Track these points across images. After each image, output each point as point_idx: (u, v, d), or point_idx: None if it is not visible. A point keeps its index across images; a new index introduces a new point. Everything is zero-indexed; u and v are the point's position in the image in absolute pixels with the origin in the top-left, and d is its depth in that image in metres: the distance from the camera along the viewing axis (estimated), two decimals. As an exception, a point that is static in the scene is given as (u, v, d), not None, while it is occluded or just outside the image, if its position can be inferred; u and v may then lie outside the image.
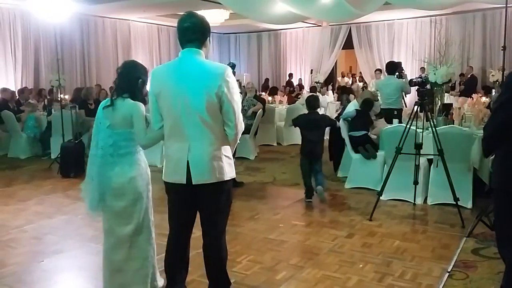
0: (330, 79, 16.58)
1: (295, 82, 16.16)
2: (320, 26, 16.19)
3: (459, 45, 13.51)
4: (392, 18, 14.73)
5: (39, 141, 8.91)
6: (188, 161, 2.68)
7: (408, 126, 4.85)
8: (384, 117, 7.02)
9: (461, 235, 4.33)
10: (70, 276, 3.71)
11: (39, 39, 12.92)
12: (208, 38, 2.80)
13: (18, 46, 12.42)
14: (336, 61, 17.31)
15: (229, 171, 2.77)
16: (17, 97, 10.14)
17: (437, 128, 5.24)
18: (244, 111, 8.45)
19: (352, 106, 6.74)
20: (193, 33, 2.72)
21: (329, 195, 5.88)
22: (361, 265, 3.69)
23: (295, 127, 5.91)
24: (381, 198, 5.51)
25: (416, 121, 4.96)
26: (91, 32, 14.33)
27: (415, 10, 12.40)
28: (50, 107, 9.06)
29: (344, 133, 6.34)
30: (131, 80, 2.99)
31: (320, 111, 7.98)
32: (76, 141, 7.18)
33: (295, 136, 9.96)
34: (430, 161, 5.54)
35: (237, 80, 5.76)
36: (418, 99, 4.81)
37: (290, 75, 16.34)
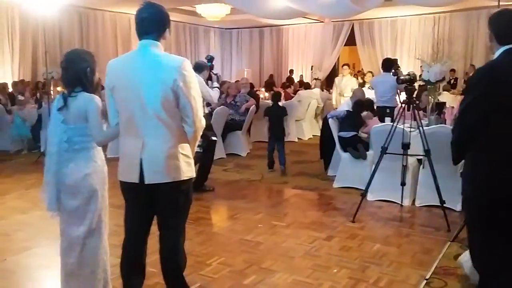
0: (333, 76, 16.33)
1: (296, 78, 15.93)
2: (322, 22, 15.96)
3: (463, 43, 13.28)
4: (395, 15, 14.47)
5: (31, 134, 8.79)
6: (141, 159, 2.53)
7: (394, 125, 4.66)
8: (378, 115, 6.83)
9: (446, 240, 4.14)
10: (29, 275, 3.57)
11: (37, 31, 12.81)
12: (168, 29, 2.63)
13: (15, 38, 12.31)
14: (339, 58, 17.07)
15: (187, 170, 2.61)
16: (9, 90, 10.03)
17: (427, 128, 5.07)
18: (236, 107, 8.30)
19: (345, 105, 6.56)
20: (151, 24, 2.56)
21: (316, 195, 5.73)
22: (335, 270, 3.52)
23: (265, 116, 7.16)
24: (367, 198, 5.37)
25: (404, 120, 4.77)
26: (90, 25, 14.19)
27: (418, 7, 12.13)
28: (41, 100, 8.94)
29: (334, 132, 6.16)
30: (78, 71, 2.81)
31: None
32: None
33: (291, 133, 9.81)
34: (420, 161, 5.35)
35: (215, 74, 5.63)
36: (406, 97, 4.62)
37: (291, 71, 16.12)
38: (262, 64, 18.35)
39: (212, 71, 5.53)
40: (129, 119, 2.56)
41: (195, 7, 13.78)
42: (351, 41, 16.00)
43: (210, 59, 5.59)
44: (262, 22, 16.79)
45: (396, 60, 7.83)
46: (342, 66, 12.73)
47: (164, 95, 2.47)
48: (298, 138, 10.03)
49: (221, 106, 7.95)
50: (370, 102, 6.81)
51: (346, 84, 11.30)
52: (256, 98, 8.91)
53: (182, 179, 2.58)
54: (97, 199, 2.90)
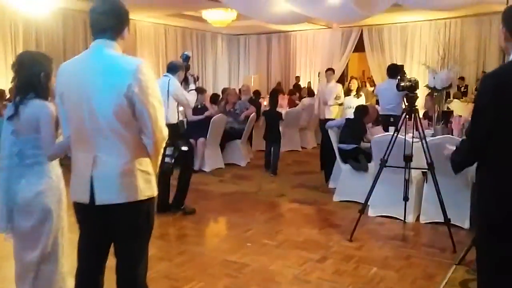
0: (341, 83, 15.95)
1: (303, 85, 15.61)
2: (330, 28, 15.61)
3: (475, 49, 12.82)
4: (405, 21, 14.07)
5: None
6: (92, 177, 2.20)
7: (395, 135, 4.30)
8: (382, 124, 6.46)
9: (451, 262, 3.76)
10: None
11: (41, 36, 12.66)
12: (127, 28, 2.31)
13: (18, 44, 12.17)
14: (348, 64, 16.72)
15: (146, 189, 2.27)
16: (7, 96, 9.84)
17: (432, 138, 4.70)
18: (236, 115, 7.98)
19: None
20: (106, 21, 2.24)
21: (314, 209, 5.36)
22: (324, 298, 3.17)
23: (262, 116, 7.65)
24: (369, 214, 5.04)
25: (405, 130, 4.41)
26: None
27: (428, 12, 11.74)
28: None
29: (334, 143, 5.80)
30: (30, 75, 2.52)
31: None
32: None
33: (294, 142, 9.47)
34: (425, 174, 4.97)
35: (191, 75, 5.24)
36: (406, 105, 4.26)
37: (297, 78, 15.80)
38: (269, 71, 18.07)
39: (189, 72, 5.08)
40: (79, 130, 2.24)
41: (201, 13, 13.59)
42: (360, 47, 15.64)
43: (186, 58, 5.10)
44: (270, 28, 16.52)
45: (402, 66, 7.48)
46: (350, 79, 11.75)
47: (118, 102, 2.15)
48: (302, 147, 9.66)
49: (219, 114, 7.65)
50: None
51: (331, 91, 9.22)
52: (257, 105, 8.58)
53: (139, 199, 2.24)
54: (52, 220, 2.60)
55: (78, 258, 2.39)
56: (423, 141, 4.18)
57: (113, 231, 2.30)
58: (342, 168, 5.74)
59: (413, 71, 12.89)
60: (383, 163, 4.31)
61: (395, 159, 4.48)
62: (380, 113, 6.85)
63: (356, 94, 8.35)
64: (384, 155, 4.32)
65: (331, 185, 6.28)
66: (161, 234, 4.41)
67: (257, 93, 11.11)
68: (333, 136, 5.81)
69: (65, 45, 13.22)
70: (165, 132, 2.31)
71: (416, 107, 4.27)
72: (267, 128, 7.46)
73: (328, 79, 9.63)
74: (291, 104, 10.64)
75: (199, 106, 7.97)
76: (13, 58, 9.52)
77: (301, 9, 10.08)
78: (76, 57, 2.35)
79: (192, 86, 5.10)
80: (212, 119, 7.28)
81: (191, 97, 5.02)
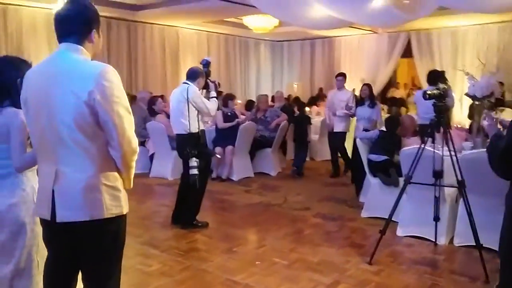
0: (388, 89, 15.41)
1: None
2: (376, 33, 15.09)
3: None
4: (455, 25, 13.32)
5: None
6: (53, 191, 2.02)
7: (421, 149, 3.90)
8: (420, 135, 6.00)
9: (482, 294, 3.32)
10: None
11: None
12: (95, 30, 2.11)
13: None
14: (397, 70, 16.11)
15: (113, 206, 2.05)
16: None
17: (465, 153, 4.26)
18: (266, 122, 7.73)
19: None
20: (71, 24, 2.05)
21: (337, 226, 5.00)
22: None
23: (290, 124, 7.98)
24: (397, 233, 4.63)
25: (439, 143, 4.00)
26: (139, 38, 14.23)
27: (480, 15, 11.01)
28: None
29: (362, 154, 5.43)
30: (5, 81, 2.38)
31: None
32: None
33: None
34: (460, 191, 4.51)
35: (212, 81, 4.99)
36: (434, 115, 3.85)
37: (340, 84, 15.35)
38: (313, 77, 17.71)
39: (209, 78, 4.86)
40: (41, 140, 2.07)
41: (242, 20, 13.48)
42: (408, 53, 15.00)
43: (206, 64, 4.86)
44: (313, 34, 16.19)
45: (443, 72, 6.93)
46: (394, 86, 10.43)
47: (79, 111, 1.95)
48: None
49: (249, 121, 7.42)
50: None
51: (340, 99, 7.82)
52: (291, 113, 8.28)
53: (105, 217, 2.03)
54: (25, 234, 2.44)
55: (43, 282, 2.22)
56: (453, 155, 3.75)
57: (77, 252, 2.11)
58: (371, 182, 5.35)
59: (464, 78, 12.16)
60: (408, 179, 3.92)
61: (425, 175, 4.08)
62: (418, 122, 6.37)
63: (371, 103, 7.07)
64: (409, 170, 3.92)
65: (361, 199, 5.88)
66: (170, 247, 4.22)
67: (297, 100, 10.82)
68: (361, 147, 5.43)
69: (110, 52, 13.54)
70: (135, 144, 2.09)
71: (444, 117, 3.85)
72: (295, 131, 8.05)
73: (338, 86, 8.16)
74: (329, 111, 10.25)
75: (229, 113, 7.80)
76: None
77: (340, 14, 9.72)
78: (41, 62, 2.18)
79: (213, 93, 4.89)
80: (241, 126, 7.07)
81: (212, 105, 4.80)
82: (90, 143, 2.00)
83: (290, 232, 4.77)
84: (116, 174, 2.09)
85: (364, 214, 5.32)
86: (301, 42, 17.66)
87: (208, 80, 4.87)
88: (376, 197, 5.26)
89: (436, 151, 4.07)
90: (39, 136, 2.08)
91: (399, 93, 14.98)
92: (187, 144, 4.63)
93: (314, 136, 9.39)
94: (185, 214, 4.78)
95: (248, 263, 3.89)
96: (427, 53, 14.51)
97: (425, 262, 3.99)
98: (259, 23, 13.13)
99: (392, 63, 15.48)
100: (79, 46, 2.06)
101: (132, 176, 2.18)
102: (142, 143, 7.90)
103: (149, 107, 8.17)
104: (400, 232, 4.65)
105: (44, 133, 2.04)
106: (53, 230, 2.09)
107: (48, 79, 2.03)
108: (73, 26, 2.06)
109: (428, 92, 3.88)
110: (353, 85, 16.26)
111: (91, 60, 2.10)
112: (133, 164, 2.14)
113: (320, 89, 16.54)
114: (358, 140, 5.51)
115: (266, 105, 7.97)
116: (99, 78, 1.95)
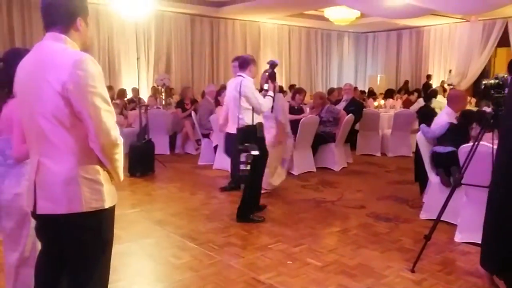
0: (482, 80, 14.14)
1: (435, 84, 14.20)
2: (468, 21, 13.95)
3: None
4: (561, 8, 11.87)
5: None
6: (35, 182, 2.02)
7: (474, 146, 3.44)
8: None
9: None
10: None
11: (171, 40, 13.45)
12: (80, 19, 2.07)
13: (151, 48, 13.08)
14: (495, 61, 14.81)
15: (92, 200, 1.98)
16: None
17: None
18: (323, 123, 7.44)
19: (444, 115, 5.20)
20: (55, 13, 2.04)
21: (388, 227, 4.63)
22: None
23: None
24: (455, 239, 4.19)
25: (493, 139, 3.51)
26: (221, 33, 14.48)
27: None
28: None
29: (423, 148, 4.98)
30: (13, 73, 2.43)
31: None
32: (144, 141, 7.02)
33: (404, 146, 8.54)
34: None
35: (273, 83, 4.80)
36: (492, 108, 3.38)
37: (428, 76, 14.39)
38: (398, 69, 16.85)
39: (271, 80, 4.76)
40: (26, 131, 2.09)
41: (323, 11, 13.15)
42: (504, 42, 13.68)
43: (272, 64, 4.77)
44: (399, 24, 15.40)
45: (528, 61, 6.10)
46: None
47: (55, 102, 1.92)
48: (412, 153, 8.65)
49: (311, 116, 7.18)
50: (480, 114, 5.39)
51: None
52: (359, 106, 7.87)
53: (83, 211, 1.98)
54: (29, 224, 2.50)
55: (34, 274, 2.23)
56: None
57: (60, 247, 2.10)
58: (431, 181, 4.89)
59: None
60: (457, 180, 3.49)
61: (483, 175, 3.60)
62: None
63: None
64: (460, 169, 3.49)
65: (425, 199, 5.41)
66: (206, 241, 4.16)
67: (390, 92, 10.26)
68: (421, 140, 4.99)
69: (193, 48, 13.92)
70: (114, 136, 1.99)
71: (503, 110, 3.35)
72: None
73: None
74: (407, 104, 9.64)
75: (296, 107, 7.62)
76: (145, 58, 10.18)
77: (420, 2, 9.07)
78: (29, 53, 2.19)
79: (270, 92, 4.76)
80: (301, 120, 6.85)
81: (265, 102, 4.68)
82: (69, 134, 1.96)
83: (335, 231, 4.50)
84: (97, 167, 2.02)
85: (422, 215, 4.89)
86: (387, 33, 16.91)
87: (269, 81, 4.77)
88: (436, 197, 4.77)
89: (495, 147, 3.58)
90: (26, 127, 2.09)
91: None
92: (243, 138, 4.56)
93: (387, 130, 8.90)
94: (241, 209, 4.74)
95: (279, 262, 3.71)
96: (527, 41, 13.18)
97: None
98: (340, 14, 12.71)
99: (486, 53, 14.28)
100: (62, 35, 2.03)
101: (120, 169, 2.09)
102: (206, 135, 7.99)
103: (215, 99, 8.25)
104: (458, 237, 4.20)
105: (29, 124, 2.04)
106: (38, 222, 2.10)
107: (29, 69, 2.03)
108: (57, 14, 2.03)
109: (484, 81, 3.41)
110: (442, 76, 15.24)
111: (81, 50, 2.07)
112: (117, 157, 2.04)
113: (406, 82, 15.68)
114: (418, 134, 5.06)
115: (317, 103, 7.59)
116: (73, 67, 1.90)
